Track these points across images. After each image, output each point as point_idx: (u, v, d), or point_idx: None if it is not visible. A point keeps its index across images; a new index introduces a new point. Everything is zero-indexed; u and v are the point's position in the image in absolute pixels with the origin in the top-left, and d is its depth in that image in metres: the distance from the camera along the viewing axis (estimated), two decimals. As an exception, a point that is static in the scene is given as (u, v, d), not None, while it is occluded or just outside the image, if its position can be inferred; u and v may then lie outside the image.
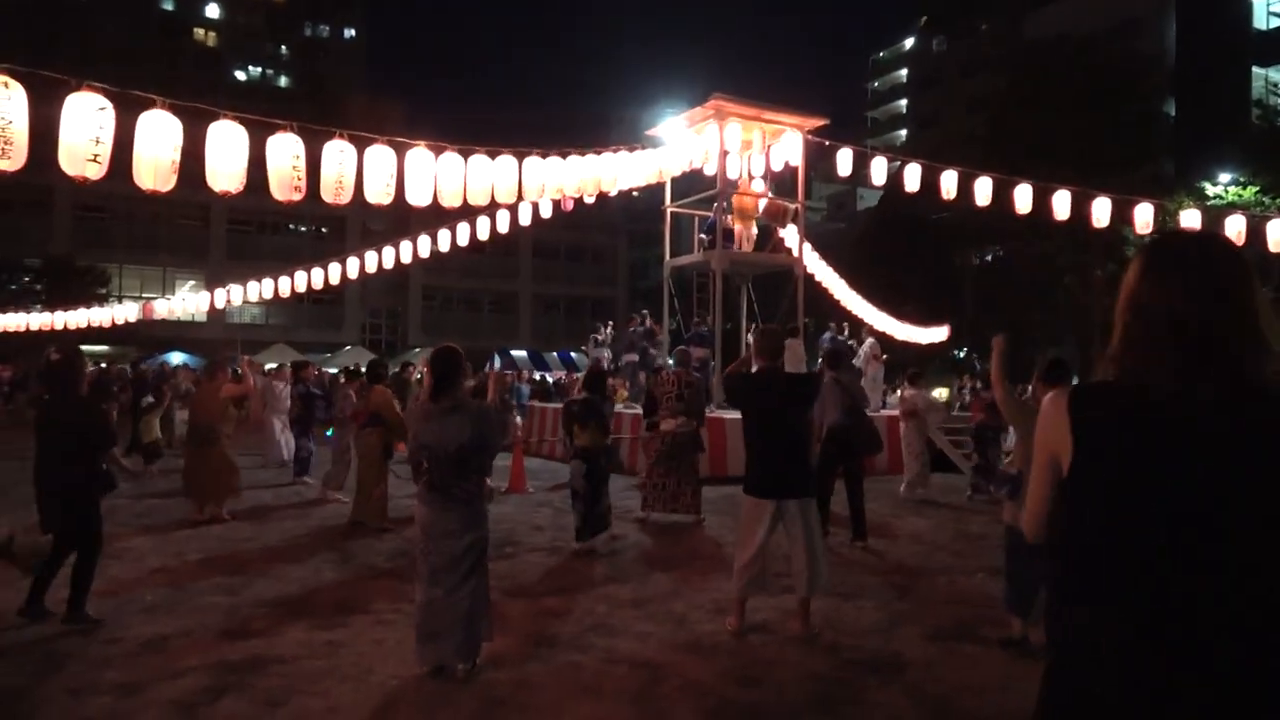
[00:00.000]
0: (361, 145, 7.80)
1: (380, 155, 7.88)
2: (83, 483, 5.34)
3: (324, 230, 42.53)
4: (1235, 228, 12.90)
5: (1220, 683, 1.37)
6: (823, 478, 8.21)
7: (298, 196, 7.20)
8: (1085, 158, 26.18)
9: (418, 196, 8.21)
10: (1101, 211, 12.92)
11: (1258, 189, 25.86)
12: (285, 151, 7.19)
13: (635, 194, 17.44)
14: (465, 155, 8.76)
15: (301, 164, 7.23)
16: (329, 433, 11.94)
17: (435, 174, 8.41)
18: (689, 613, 5.73)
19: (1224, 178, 27.28)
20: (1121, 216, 13.22)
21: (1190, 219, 13.58)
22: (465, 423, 4.38)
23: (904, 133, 61.89)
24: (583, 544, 7.64)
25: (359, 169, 7.74)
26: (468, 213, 13.45)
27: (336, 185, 7.53)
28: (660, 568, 7.10)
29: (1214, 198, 25.83)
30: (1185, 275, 1.52)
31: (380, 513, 8.61)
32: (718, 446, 12.01)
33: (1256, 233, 12.85)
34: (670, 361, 11.78)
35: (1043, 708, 1.55)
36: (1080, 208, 12.97)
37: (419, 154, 8.30)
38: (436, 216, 12.32)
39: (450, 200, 8.50)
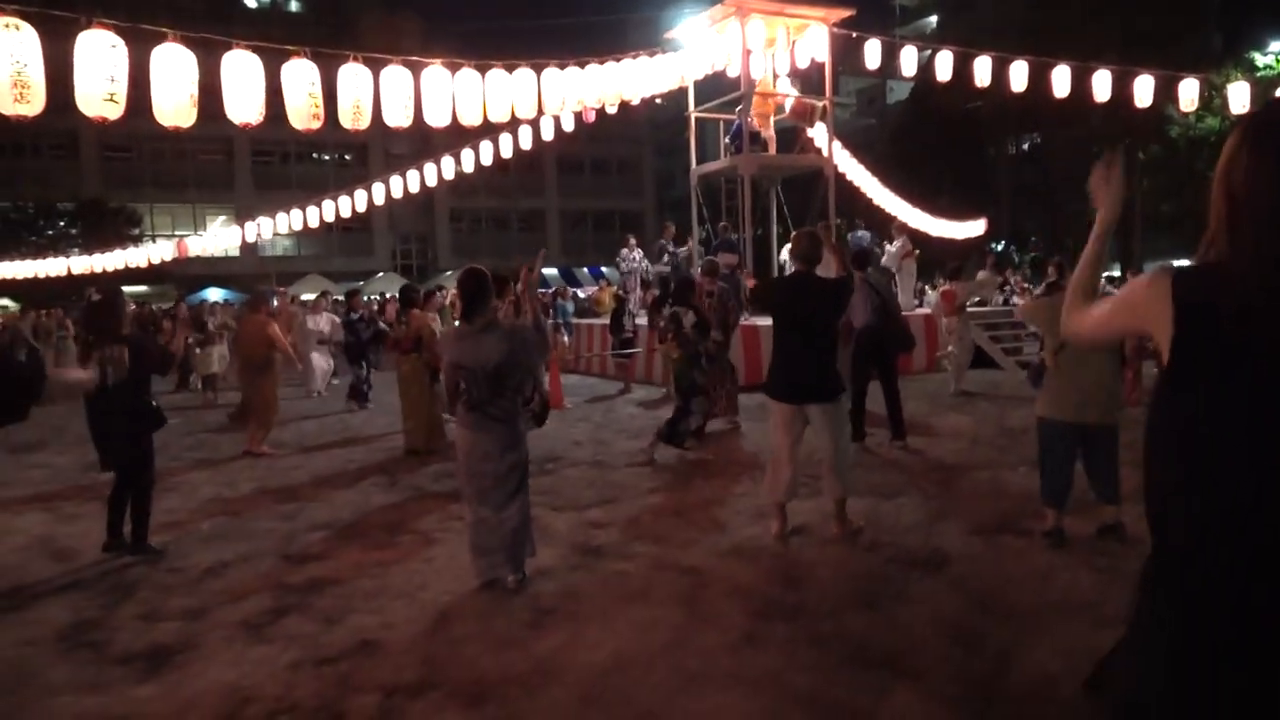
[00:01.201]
0: (376, 68, 7.66)
1: (396, 77, 7.75)
2: (138, 417, 5.47)
3: (347, 158, 42.34)
4: (1287, 99, 12.34)
5: None
6: (857, 380, 8.22)
7: (316, 124, 7.14)
8: (1127, 33, 24.98)
9: (437, 117, 8.10)
10: (1144, 90, 12.42)
11: (1312, 56, 24.62)
12: (301, 79, 7.09)
13: (659, 101, 17.05)
14: (482, 71, 8.58)
15: (318, 90, 7.14)
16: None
17: (453, 93, 8.26)
18: (730, 519, 5.82)
19: (1276, 45, 25.90)
20: (1165, 94, 12.68)
21: (1238, 93, 12.97)
22: (500, 341, 4.43)
23: (935, 19, 59.33)
24: (651, 447, 7.80)
25: (376, 92, 7.62)
26: (489, 131, 13.28)
27: (354, 110, 7.43)
28: (701, 475, 7.19)
29: (1264, 68, 24.59)
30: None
31: (431, 436, 8.63)
32: (752, 354, 12.00)
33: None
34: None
35: (1151, 602, 1.49)
36: (1121, 87, 12.46)
37: (435, 73, 8.15)
38: (458, 137, 12.18)
39: (470, 119, 8.37)
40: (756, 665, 3.61)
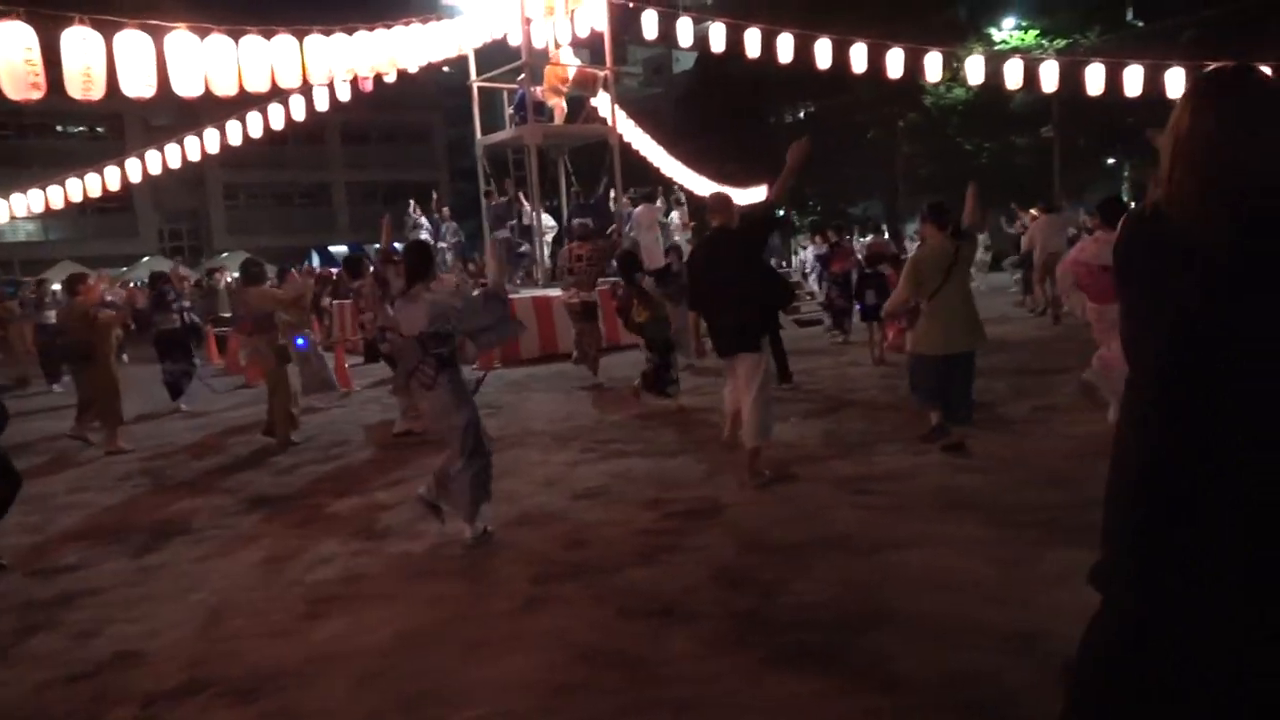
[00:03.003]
0: (109, 31, 6.97)
1: (133, 41, 7.08)
2: None
3: (99, 130, 38.28)
4: (1013, 71, 13.72)
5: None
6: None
7: (37, 94, 6.42)
8: (886, 8, 26.78)
9: (185, 87, 7.49)
10: (895, 62, 13.37)
11: (1038, 32, 27.40)
12: (15, 43, 6.34)
13: (446, 69, 16.61)
14: (236, 37, 8.00)
15: (36, 56, 6.41)
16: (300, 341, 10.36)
17: (203, 61, 7.66)
18: (520, 488, 5.87)
19: (1009, 23, 28.67)
20: (915, 65, 13.74)
21: (974, 66, 14.26)
22: (437, 305, 4.68)
23: (715, -10, 61.07)
24: (659, 394, 8.15)
25: (110, 59, 6.94)
26: (261, 100, 12.45)
27: (84, 79, 6.75)
28: (495, 449, 7.17)
29: (1000, 43, 27.19)
30: (1222, 106, 1.64)
31: (286, 421, 7.88)
32: (546, 325, 12.10)
33: (1032, 74, 13.71)
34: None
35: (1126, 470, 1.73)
36: (876, 60, 13.38)
37: (181, 38, 7.51)
38: (230, 107, 11.33)
39: (225, 90, 7.81)
40: (539, 627, 3.70)
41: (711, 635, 3.50)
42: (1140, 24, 27.30)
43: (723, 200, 5.85)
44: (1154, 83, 12.65)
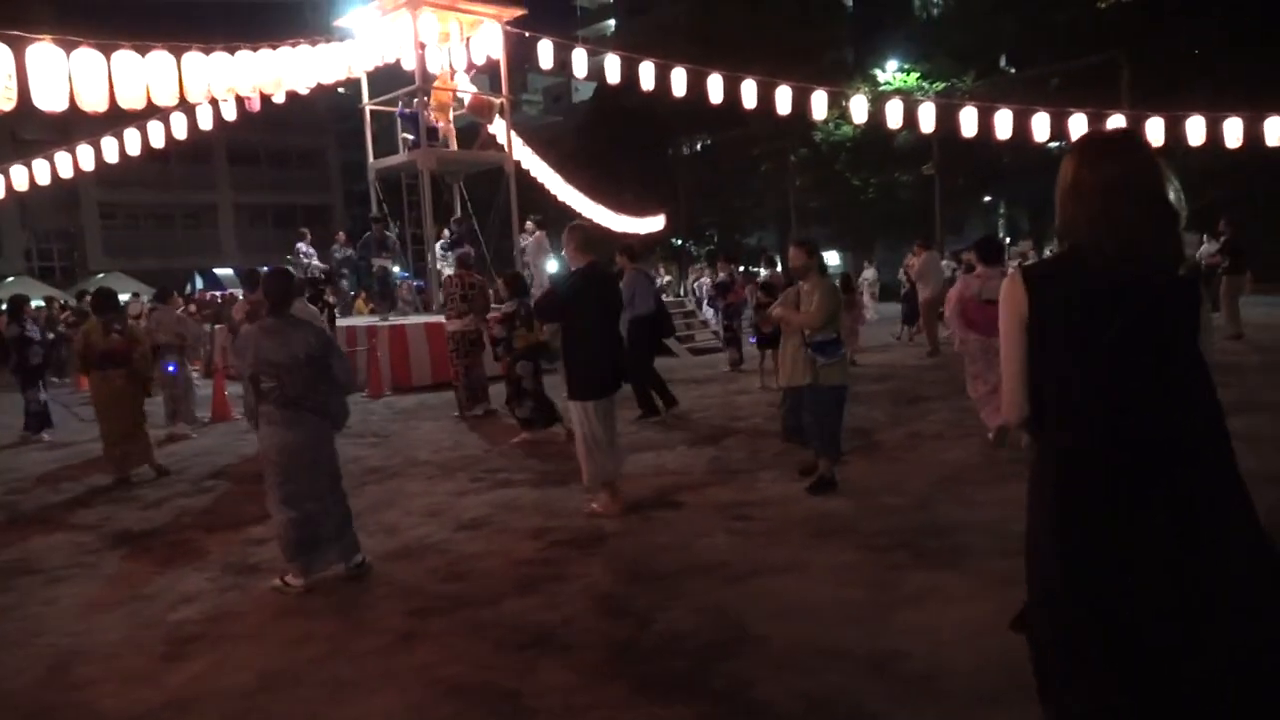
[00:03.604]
0: (-34, 41, 6.61)
1: (-8, 53, 6.73)
2: None
3: (-42, 141, 35.89)
4: (894, 111, 14.37)
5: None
6: (645, 361, 8.96)
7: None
8: (778, 46, 27.72)
9: (48, 101, 7.13)
10: (784, 99, 13.84)
11: (918, 75, 28.81)
12: None
13: (341, 91, 16.32)
14: (106, 52, 7.69)
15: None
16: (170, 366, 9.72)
17: (69, 73, 7.33)
18: (400, 520, 5.77)
19: (891, 65, 30.05)
20: (802, 103, 14.24)
21: (859, 106, 14.89)
22: (307, 335, 4.55)
23: (613, 22, 62.03)
24: (537, 431, 8.08)
25: (-33, 70, 6.58)
26: (139, 117, 11.95)
27: (-66, 90, 6.37)
28: (374, 479, 7.04)
29: (884, 84, 28.45)
30: (1111, 164, 1.89)
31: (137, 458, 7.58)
32: (400, 355, 12.13)
33: (911, 114, 14.39)
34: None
35: (1045, 505, 1.96)
36: (767, 96, 13.81)
37: (43, 50, 7.17)
38: (104, 122, 10.84)
39: (92, 105, 7.47)
40: (410, 663, 3.64)
41: (586, 665, 3.52)
42: (1012, 70, 29.03)
43: (595, 235, 5.96)
44: (1021, 126, 13.48)
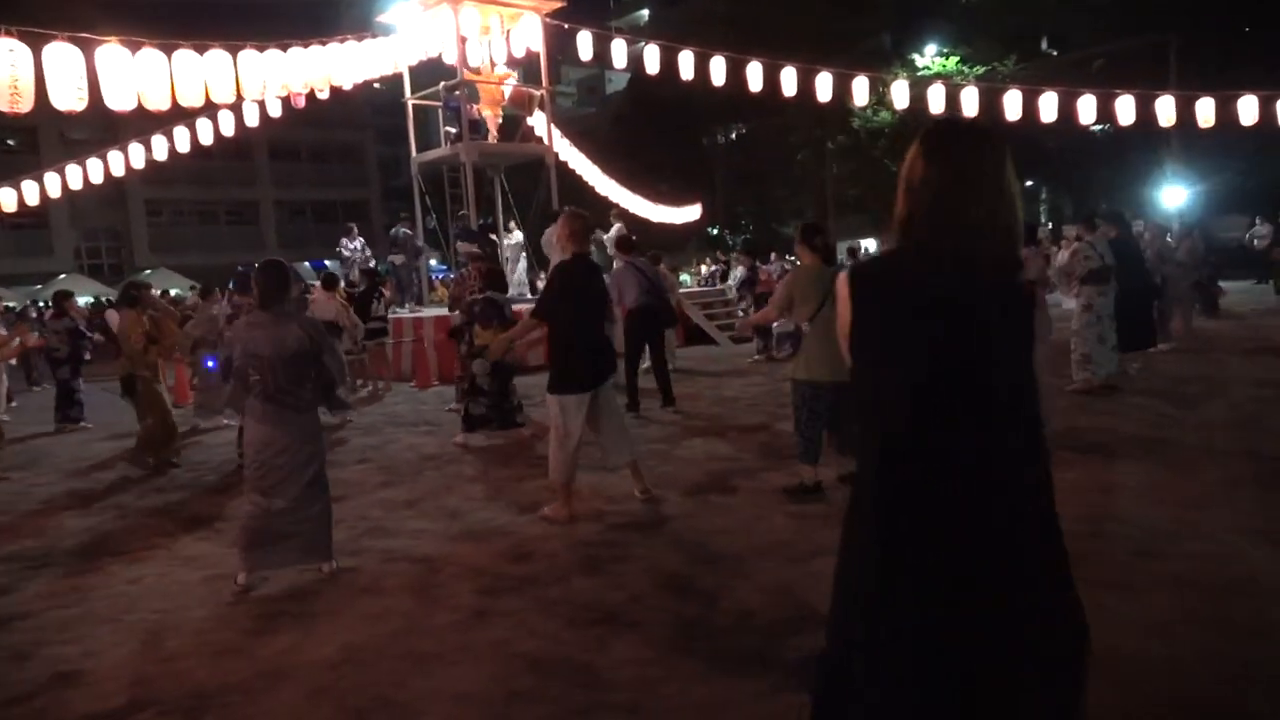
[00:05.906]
0: (38, 44, 6.84)
1: (63, 54, 6.96)
2: None
3: (10, 143, 36.83)
4: (936, 96, 14.26)
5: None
6: (633, 355, 8.87)
7: (-38, 107, 6.27)
8: (814, 33, 27.55)
9: (118, 101, 7.37)
10: (824, 86, 13.79)
11: (958, 59, 28.47)
12: (-62, 54, 6.19)
13: (378, 86, 16.52)
14: (168, 52, 7.91)
15: (-39, 68, 6.26)
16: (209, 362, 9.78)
17: (135, 74, 7.55)
18: (461, 505, 5.91)
19: (930, 49, 29.73)
20: (843, 89, 14.19)
21: (900, 91, 14.80)
22: (298, 329, 4.49)
23: (647, 13, 61.90)
24: (492, 434, 7.79)
25: (38, 71, 6.81)
26: (186, 115, 12.23)
27: (10, 91, 6.60)
28: (432, 466, 7.20)
29: (922, 69, 28.17)
30: (949, 157, 1.74)
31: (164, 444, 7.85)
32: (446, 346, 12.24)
33: (953, 100, 14.28)
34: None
35: (863, 505, 1.81)
36: (806, 83, 13.78)
37: (112, 51, 7.40)
38: (150, 121, 11.14)
39: (157, 104, 7.71)
40: (485, 638, 3.76)
41: (658, 641, 3.61)
42: (1055, 53, 28.60)
43: (586, 226, 5.61)
44: (1066, 109, 13.32)
